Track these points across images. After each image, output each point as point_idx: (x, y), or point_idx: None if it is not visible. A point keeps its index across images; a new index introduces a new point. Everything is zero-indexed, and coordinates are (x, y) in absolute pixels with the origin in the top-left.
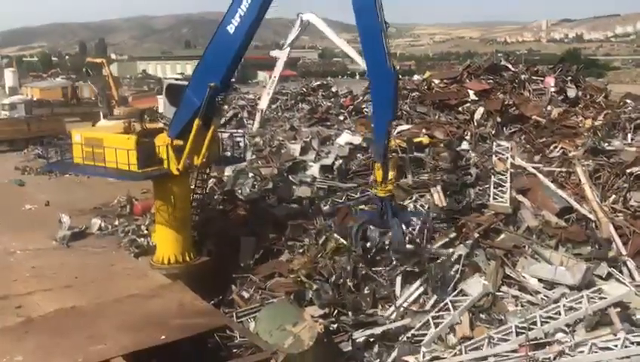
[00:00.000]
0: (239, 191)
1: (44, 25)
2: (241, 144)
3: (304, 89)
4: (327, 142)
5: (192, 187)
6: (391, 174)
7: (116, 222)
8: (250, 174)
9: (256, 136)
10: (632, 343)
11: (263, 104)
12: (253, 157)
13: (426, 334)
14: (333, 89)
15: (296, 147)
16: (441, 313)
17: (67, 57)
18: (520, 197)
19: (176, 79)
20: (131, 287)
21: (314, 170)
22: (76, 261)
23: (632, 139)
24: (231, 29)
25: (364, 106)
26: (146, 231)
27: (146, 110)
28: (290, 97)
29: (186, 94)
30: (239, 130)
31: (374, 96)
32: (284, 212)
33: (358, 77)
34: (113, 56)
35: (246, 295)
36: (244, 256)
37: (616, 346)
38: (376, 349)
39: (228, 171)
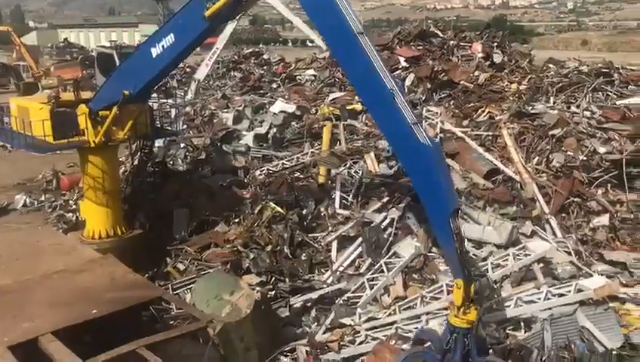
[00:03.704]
0: (171, 162)
1: None
2: (172, 114)
3: (236, 57)
4: (260, 111)
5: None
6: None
7: (42, 198)
8: (182, 145)
9: (187, 106)
10: (554, 295)
11: (201, 74)
12: (185, 127)
13: (362, 296)
14: (266, 56)
15: (228, 116)
16: (375, 275)
17: None
18: (450, 161)
19: (107, 47)
20: (59, 263)
21: (248, 139)
22: None
23: (554, 103)
24: (154, 52)
25: (296, 74)
26: (74, 206)
27: (80, 79)
28: (222, 65)
29: (102, 88)
30: (170, 100)
31: (412, 181)
32: (219, 182)
33: (290, 44)
34: (32, 24)
35: (181, 267)
36: (178, 228)
37: (539, 299)
38: (313, 313)
39: (158, 142)
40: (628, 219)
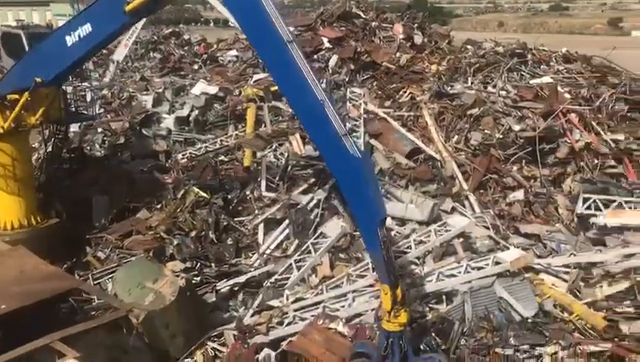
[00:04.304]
0: (88, 148)
1: None
2: (88, 98)
3: (155, 37)
4: (181, 93)
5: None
6: None
7: None
8: (100, 129)
9: (104, 89)
10: (473, 269)
11: (119, 55)
12: (102, 111)
13: (289, 278)
14: (186, 37)
15: (148, 99)
16: (302, 256)
17: None
18: (373, 141)
19: (12, 27)
20: None
21: (168, 122)
22: None
23: (472, 83)
24: (69, 40)
25: (218, 55)
26: None
27: None
28: (141, 46)
29: (11, 72)
30: (85, 83)
31: (341, 189)
32: (139, 167)
33: (212, 24)
34: None
35: (102, 255)
36: (98, 216)
37: (459, 273)
38: (240, 297)
39: (74, 127)
40: (541, 193)
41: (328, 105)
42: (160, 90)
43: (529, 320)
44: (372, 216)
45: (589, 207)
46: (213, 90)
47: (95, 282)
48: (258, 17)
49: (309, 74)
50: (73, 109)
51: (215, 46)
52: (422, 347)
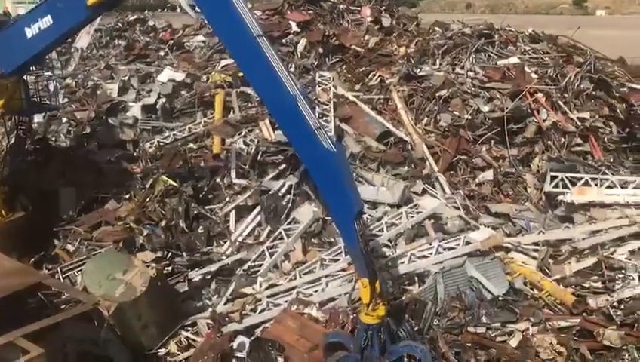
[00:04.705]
0: (53, 139)
1: None
2: (51, 87)
3: (119, 24)
4: (147, 80)
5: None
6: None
7: None
8: (64, 119)
9: (67, 78)
10: (445, 249)
11: (83, 42)
12: (66, 100)
13: (262, 264)
14: (152, 23)
15: (113, 87)
16: (275, 243)
17: None
18: (343, 126)
19: None
20: None
21: (135, 110)
22: None
23: (440, 65)
24: (29, 33)
25: (184, 41)
26: None
27: None
28: (105, 33)
29: None
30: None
31: (317, 184)
32: (106, 157)
33: (179, 10)
34: None
35: (71, 248)
36: (65, 208)
37: (431, 254)
38: (213, 286)
39: (38, 118)
40: (510, 173)
41: (301, 99)
42: (125, 78)
43: (500, 298)
44: (348, 210)
45: (556, 185)
46: (180, 76)
47: (65, 275)
48: (226, 11)
49: (279, 66)
50: (36, 99)
51: (181, 32)
52: (400, 334)
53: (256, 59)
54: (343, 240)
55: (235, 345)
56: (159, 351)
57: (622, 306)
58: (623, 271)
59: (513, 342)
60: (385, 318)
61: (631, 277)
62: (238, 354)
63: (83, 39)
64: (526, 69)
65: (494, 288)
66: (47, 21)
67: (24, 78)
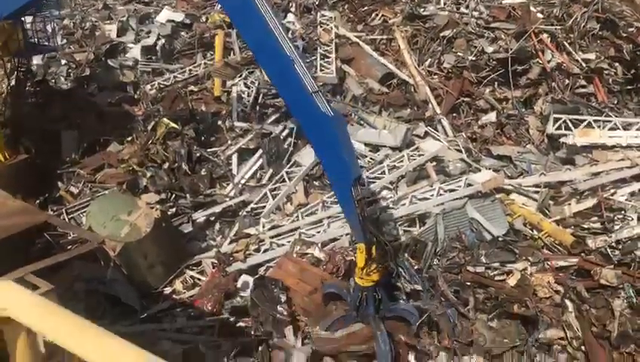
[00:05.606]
0: (53, 80)
1: None
2: (49, 28)
3: None
4: (146, 21)
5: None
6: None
7: None
8: (64, 61)
9: (65, 19)
10: (446, 191)
11: None
12: (64, 42)
13: (265, 206)
14: None
15: (112, 28)
16: (277, 185)
17: None
18: (345, 67)
19: None
20: None
21: (135, 52)
22: None
23: (444, 4)
24: None
25: None
26: None
27: None
28: None
29: None
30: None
31: (314, 149)
32: (107, 100)
33: None
34: None
35: (75, 190)
36: (67, 151)
37: (432, 196)
38: (217, 226)
39: (37, 60)
40: (513, 115)
41: (298, 60)
42: (124, 19)
43: (500, 239)
44: (346, 176)
45: (559, 127)
46: (179, 17)
47: (69, 217)
48: None
49: (275, 26)
50: (34, 41)
51: None
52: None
53: (250, 18)
54: (339, 203)
55: (239, 284)
56: (165, 289)
57: (620, 246)
58: (623, 212)
59: (512, 281)
60: (380, 280)
61: (630, 218)
62: (242, 293)
63: None
64: (531, 8)
65: (494, 229)
66: None
67: (22, 19)
